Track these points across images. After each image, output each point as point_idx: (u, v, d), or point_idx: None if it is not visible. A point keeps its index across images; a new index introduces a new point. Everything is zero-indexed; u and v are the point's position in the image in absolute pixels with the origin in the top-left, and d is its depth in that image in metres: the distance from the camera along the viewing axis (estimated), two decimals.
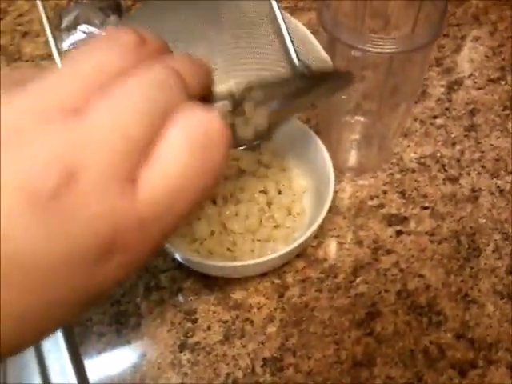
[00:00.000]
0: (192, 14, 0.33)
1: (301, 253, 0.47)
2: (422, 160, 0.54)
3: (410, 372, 0.41)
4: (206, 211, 0.47)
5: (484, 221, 0.50)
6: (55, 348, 0.42)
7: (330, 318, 0.44)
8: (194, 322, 0.44)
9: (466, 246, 0.48)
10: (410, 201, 0.51)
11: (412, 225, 0.50)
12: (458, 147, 0.55)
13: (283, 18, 0.29)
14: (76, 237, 0.15)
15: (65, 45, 0.65)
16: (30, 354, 0.41)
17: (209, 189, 0.19)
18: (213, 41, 0.31)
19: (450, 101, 0.59)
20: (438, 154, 0.55)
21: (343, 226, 0.50)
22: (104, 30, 0.19)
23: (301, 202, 0.49)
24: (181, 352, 0.43)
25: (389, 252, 0.48)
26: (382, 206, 0.51)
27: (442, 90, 0.60)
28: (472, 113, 0.58)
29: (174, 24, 0.32)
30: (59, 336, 0.42)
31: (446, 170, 0.53)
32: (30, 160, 0.15)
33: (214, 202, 0.48)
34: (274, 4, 0.29)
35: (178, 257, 0.43)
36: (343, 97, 0.49)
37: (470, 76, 0.61)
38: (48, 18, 0.27)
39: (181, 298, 0.45)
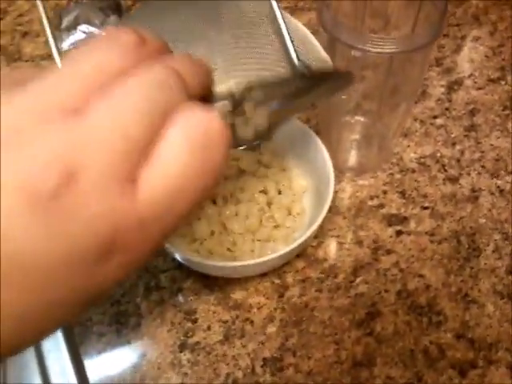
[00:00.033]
0: (192, 14, 0.33)
1: (301, 253, 0.47)
2: (422, 160, 0.54)
3: (410, 372, 0.41)
4: (206, 211, 0.47)
5: (484, 221, 0.50)
6: (55, 348, 0.42)
7: (330, 317, 0.44)
8: (194, 321, 0.44)
9: (466, 246, 0.48)
10: (410, 201, 0.51)
11: (412, 225, 0.50)
12: (458, 147, 0.55)
13: (283, 18, 0.29)
14: (76, 237, 0.15)
15: (65, 45, 0.65)
16: (30, 354, 0.41)
17: (209, 189, 0.19)
18: (213, 41, 0.31)
19: (449, 101, 0.59)
20: (438, 154, 0.55)
21: (343, 226, 0.50)
22: (104, 30, 0.19)
23: (301, 202, 0.49)
24: (181, 352, 0.43)
25: (389, 252, 0.48)
26: (381, 205, 0.51)
27: (442, 89, 0.60)
28: (472, 113, 0.58)
29: (174, 24, 0.32)
30: (59, 336, 0.42)
31: (446, 170, 0.53)
32: (30, 160, 0.15)
33: (214, 202, 0.48)
34: (274, 4, 0.29)
35: (177, 257, 0.43)
36: (343, 97, 0.49)
37: (469, 76, 0.61)
38: (48, 17, 0.27)
39: (181, 298, 0.45)
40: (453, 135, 0.56)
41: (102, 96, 0.17)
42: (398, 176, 0.53)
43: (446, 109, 0.58)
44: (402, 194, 0.52)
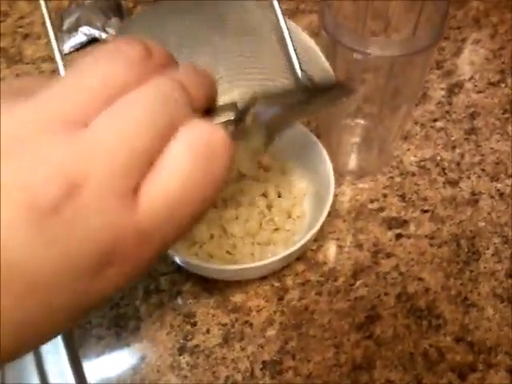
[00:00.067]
0: (196, 19, 0.33)
1: (301, 256, 0.47)
2: (422, 163, 0.54)
3: (410, 375, 0.41)
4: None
5: (484, 224, 0.50)
6: (54, 350, 0.42)
7: (330, 321, 0.44)
8: (194, 325, 0.44)
9: (466, 250, 0.48)
10: (410, 204, 0.51)
11: (412, 228, 0.50)
12: (458, 150, 0.55)
13: (287, 26, 0.29)
14: (76, 247, 0.15)
15: (66, 47, 0.65)
16: (28, 356, 0.41)
17: (211, 200, 0.19)
18: (217, 47, 0.31)
19: (450, 104, 0.59)
20: (438, 158, 0.55)
21: (343, 229, 0.50)
22: (111, 40, 0.19)
23: (301, 205, 0.49)
24: (180, 355, 0.43)
25: (389, 255, 0.48)
26: (381, 209, 0.51)
27: (443, 92, 0.60)
28: (472, 116, 0.58)
29: (179, 29, 0.32)
30: (58, 339, 0.42)
31: (445, 174, 0.53)
32: (31, 171, 0.15)
33: (215, 206, 0.48)
34: (279, 13, 0.29)
35: (177, 260, 0.43)
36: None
37: (470, 79, 0.61)
38: (51, 17, 0.27)
39: (180, 301, 0.45)
40: (453, 138, 0.56)
41: (106, 109, 0.17)
42: (398, 179, 0.53)
43: (447, 112, 0.58)
44: (402, 197, 0.52)
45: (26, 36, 0.69)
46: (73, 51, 0.66)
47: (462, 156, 0.55)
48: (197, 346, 0.43)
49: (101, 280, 0.16)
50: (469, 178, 0.53)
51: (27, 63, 0.66)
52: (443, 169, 0.54)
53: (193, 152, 0.18)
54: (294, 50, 0.29)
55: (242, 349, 0.43)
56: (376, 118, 0.51)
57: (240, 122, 0.24)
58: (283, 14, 0.29)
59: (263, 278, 0.46)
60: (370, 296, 0.45)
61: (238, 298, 0.45)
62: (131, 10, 0.70)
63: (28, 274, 0.15)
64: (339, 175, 0.52)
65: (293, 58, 0.29)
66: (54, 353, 0.42)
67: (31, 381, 0.41)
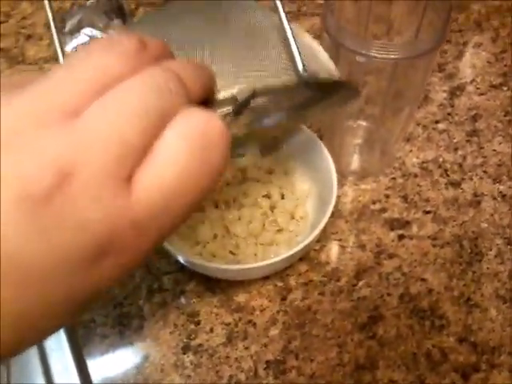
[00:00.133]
0: (198, 23, 0.34)
1: (304, 256, 0.47)
2: (425, 165, 0.54)
3: (413, 375, 0.41)
4: (209, 215, 0.47)
5: (486, 225, 0.50)
6: (58, 347, 0.42)
7: (333, 321, 0.44)
8: (197, 324, 0.44)
9: (469, 251, 0.48)
10: (413, 205, 0.51)
11: (414, 229, 0.50)
12: (460, 152, 0.55)
13: (290, 27, 0.30)
14: (70, 237, 0.15)
15: (68, 48, 0.65)
16: (33, 354, 0.42)
17: (208, 190, 0.18)
18: (219, 48, 0.31)
19: (452, 106, 0.59)
20: (441, 159, 0.55)
21: (346, 230, 0.50)
22: (106, 36, 0.20)
23: (304, 206, 0.49)
24: (184, 354, 0.43)
25: (391, 256, 0.48)
26: (384, 210, 0.51)
27: (445, 95, 0.60)
28: (474, 118, 0.58)
29: (181, 32, 0.33)
30: (62, 337, 0.42)
31: (448, 175, 0.54)
32: (27, 162, 0.15)
33: (217, 207, 0.48)
34: (282, 13, 0.29)
35: (180, 259, 0.43)
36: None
37: (472, 82, 0.62)
38: (54, 17, 0.27)
39: (183, 301, 0.46)
40: (455, 140, 0.56)
41: (99, 99, 0.17)
42: (400, 180, 0.53)
43: (449, 114, 0.59)
44: (405, 198, 0.52)
45: (28, 37, 0.69)
46: (72, 52, 0.66)
47: (464, 158, 0.55)
48: (200, 345, 0.43)
49: (96, 272, 0.16)
50: (471, 179, 0.53)
51: (29, 64, 0.66)
52: (445, 170, 0.54)
53: (188, 140, 0.17)
54: (297, 48, 0.29)
55: (246, 348, 0.43)
56: (378, 119, 0.51)
57: (239, 115, 0.24)
58: (286, 15, 0.29)
59: (266, 278, 0.46)
60: (373, 296, 0.45)
61: (241, 297, 0.46)
62: (133, 12, 0.70)
63: (24, 265, 0.15)
64: (342, 176, 0.52)
65: (296, 56, 0.29)
66: (58, 350, 0.42)
67: (36, 380, 0.41)
